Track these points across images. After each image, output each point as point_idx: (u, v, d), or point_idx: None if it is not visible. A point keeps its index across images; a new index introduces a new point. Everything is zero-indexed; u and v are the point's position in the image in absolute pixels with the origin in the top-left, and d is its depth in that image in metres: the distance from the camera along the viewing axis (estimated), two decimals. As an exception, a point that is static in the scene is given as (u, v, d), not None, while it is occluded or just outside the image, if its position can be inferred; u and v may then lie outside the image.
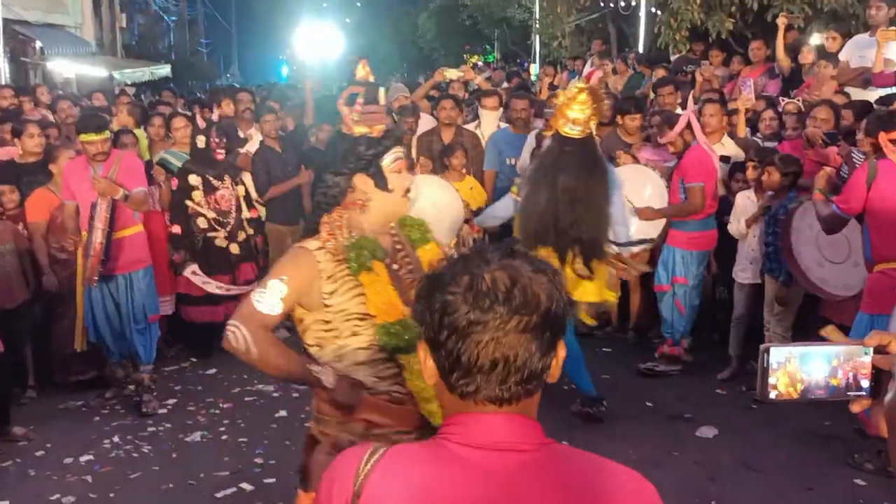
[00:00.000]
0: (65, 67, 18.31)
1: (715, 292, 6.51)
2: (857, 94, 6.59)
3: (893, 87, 6.27)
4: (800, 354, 1.22)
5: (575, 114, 4.73)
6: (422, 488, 1.27)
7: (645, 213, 5.82)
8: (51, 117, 8.33)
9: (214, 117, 7.63)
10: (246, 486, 4.52)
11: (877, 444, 4.51)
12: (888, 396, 1.17)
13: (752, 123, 6.85)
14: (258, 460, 4.81)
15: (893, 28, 6.51)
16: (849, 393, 1.23)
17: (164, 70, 21.21)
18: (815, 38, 8.37)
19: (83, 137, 5.28)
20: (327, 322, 2.46)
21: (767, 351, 1.21)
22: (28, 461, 4.87)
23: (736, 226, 5.74)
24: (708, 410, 5.36)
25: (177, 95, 12.87)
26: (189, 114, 7.64)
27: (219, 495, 4.43)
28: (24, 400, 5.68)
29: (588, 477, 1.29)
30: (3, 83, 12.17)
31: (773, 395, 1.22)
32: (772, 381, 1.22)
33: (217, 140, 6.24)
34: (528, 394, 1.30)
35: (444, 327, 1.27)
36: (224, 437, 5.19)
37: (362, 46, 29.22)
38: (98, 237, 5.20)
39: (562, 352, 1.32)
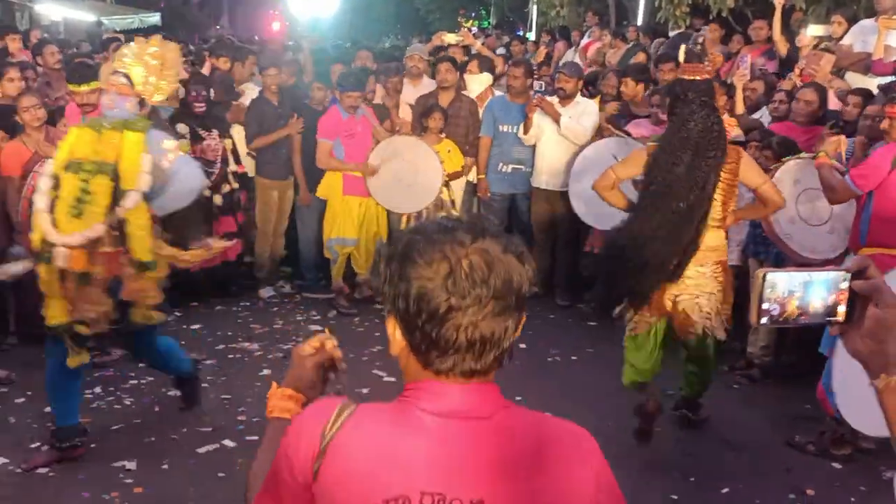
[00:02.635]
0: (52, 10, 17.95)
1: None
2: (858, 80, 6.54)
3: (893, 76, 6.23)
4: (797, 281, 1.24)
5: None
6: (383, 451, 1.31)
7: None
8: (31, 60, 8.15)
9: (206, 70, 7.50)
10: (228, 442, 4.52)
11: (821, 426, 4.58)
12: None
13: (762, 104, 6.73)
14: (241, 417, 4.80)
15: (896, 16, 6.46)
16: (827, 318, 1.26)
17: (154, 18, 20.84)
18: (817, 25, 8.28)
19: (69, 87, 5.29)
20: None
21: (764, 276, 1.23)
22: (8, 408, 4.85)
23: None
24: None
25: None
26: None
27: (201, 451, 4.43)
28: (4, 346, 5.65)
29: (536, 437, 1.36)
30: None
31: (764, 320, 1.24)
32: (765, 306, 1.23)
33: (195, 93, 6.23)
34: (499, 364, 1.35)
35: (422, 312, 1.28)
36: (207, 393, 5.17)
37: (357, 4, 28.66)
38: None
39: (523, 317, 1.36)
